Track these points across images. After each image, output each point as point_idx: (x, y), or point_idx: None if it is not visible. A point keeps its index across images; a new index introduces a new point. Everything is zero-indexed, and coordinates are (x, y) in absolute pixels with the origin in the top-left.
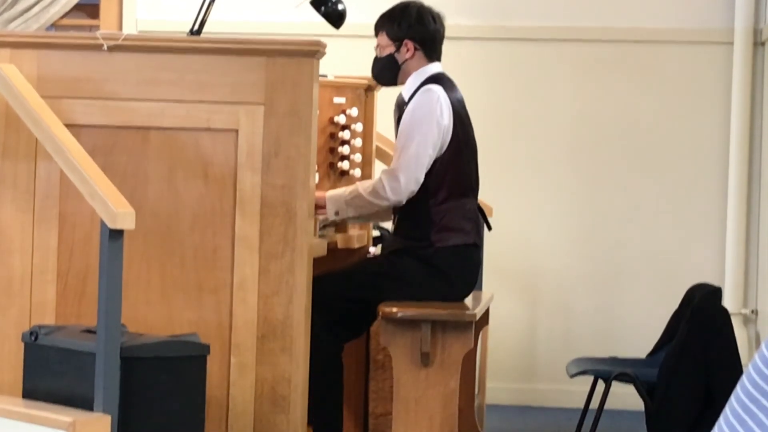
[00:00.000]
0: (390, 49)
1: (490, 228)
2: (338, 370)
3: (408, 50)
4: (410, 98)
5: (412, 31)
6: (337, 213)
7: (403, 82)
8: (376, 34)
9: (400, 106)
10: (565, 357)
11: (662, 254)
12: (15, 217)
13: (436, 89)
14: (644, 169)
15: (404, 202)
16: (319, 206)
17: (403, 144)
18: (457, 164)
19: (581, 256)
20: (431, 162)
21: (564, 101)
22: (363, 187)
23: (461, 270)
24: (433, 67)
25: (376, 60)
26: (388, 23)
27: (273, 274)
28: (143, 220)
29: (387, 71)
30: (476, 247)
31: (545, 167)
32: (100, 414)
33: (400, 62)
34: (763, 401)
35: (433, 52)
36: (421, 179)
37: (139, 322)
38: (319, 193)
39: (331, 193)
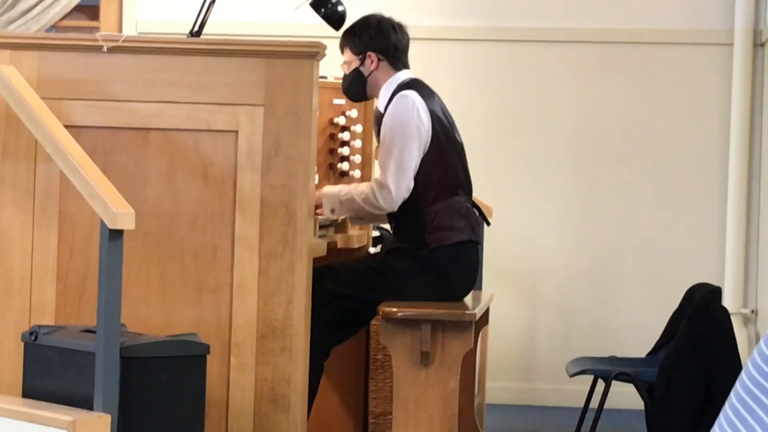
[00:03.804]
0: (355, 63)
1: (488, 224)
2: (317, 373)
3: (372, 62)
4: (386, 108)
5: (373, 43)
6: (332, 211)
7: (375, 95)
8: (342, 52)
9: (379, 119)
10: (565, 357)
11: (662, 254)
12: (15, 217)
13: (410, 93)
14: (644, 169)
15: (397, 209)
16: (317, 205)
17: (386, 153)
18: (441, 163)
19: (581, 256)
20: (417, 165)
21: (564, 102)
22: (357, 192)
23: (458, 268)
24: (402, 75)
25: (345, 77)
26: (350, 38)
27: (273, 274)
28: (143, 221)
29: (355, 86)
30: (472, 244)
31: (545, 167)
32: (100, 413)
33: (366, 75)
34: (763, 398)
35: (398, 61)
36: (411, 185)
37: (139, 322)
38: (317, 192)
39: (327, 190)
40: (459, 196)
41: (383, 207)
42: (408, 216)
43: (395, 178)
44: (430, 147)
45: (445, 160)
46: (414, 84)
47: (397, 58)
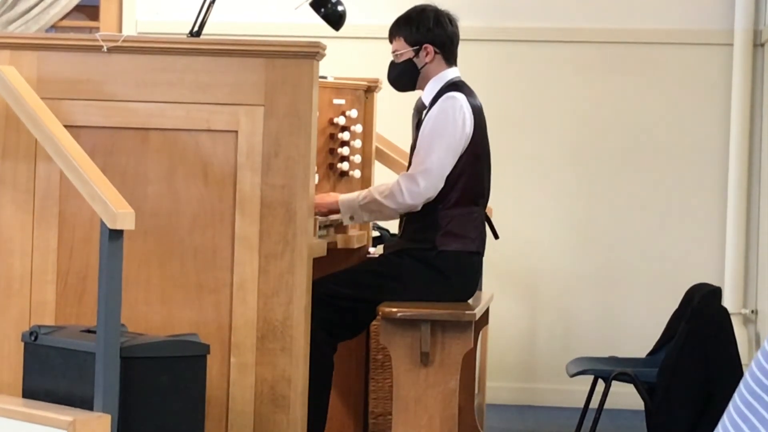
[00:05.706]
0: (408, 54)
1: (497, 237)
2: (329, 369)
3: (427, 54)
4: (431, 104)
5: (431, 35)
6: (351, 218)
7: (421, 88)
8: (391, 40)
9: (420, 111)
10: (565, 357)
11: (662, 254)
12: (15, 217)
13: (459, 97)
14: (644, 169)
15: (419, 208)
16: (332, 210)
17: (425, 150)
18: (471, 172)
19: (581, 256)
20: (449, 171)
21: (564, 102)
22: (378, 191)
23: (461, 275)
24: (452, 72)
25: (393, 65)
26: (406, 27)
27: (273, 274)
28: (143, 221)
29: (405, 77)
30: (478, 255)
31: (546, 167)
32: (100, 413)
33: (419, 67)
34: (766, 398)
35: (451, 56)
36: (440, 186)
37: (139, 322)
38: (330, 198)
39: (343, 197)
40: (478, 206)
41: (407, 202)
42: (423, 216)
43: (428, 174)
44: (465, 153)
45: (475, 169)
46: (461, 86)
47: (450, 52)
